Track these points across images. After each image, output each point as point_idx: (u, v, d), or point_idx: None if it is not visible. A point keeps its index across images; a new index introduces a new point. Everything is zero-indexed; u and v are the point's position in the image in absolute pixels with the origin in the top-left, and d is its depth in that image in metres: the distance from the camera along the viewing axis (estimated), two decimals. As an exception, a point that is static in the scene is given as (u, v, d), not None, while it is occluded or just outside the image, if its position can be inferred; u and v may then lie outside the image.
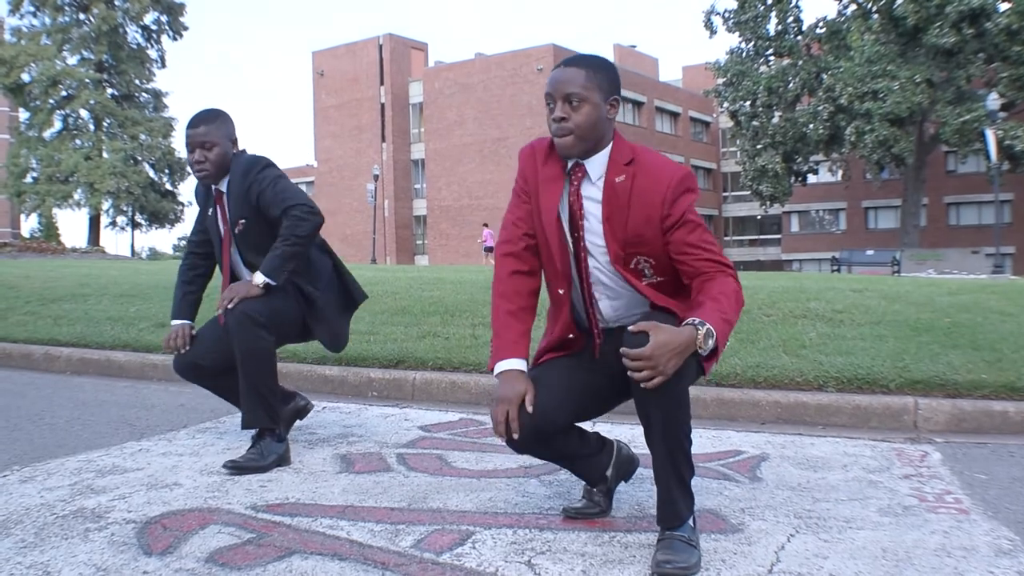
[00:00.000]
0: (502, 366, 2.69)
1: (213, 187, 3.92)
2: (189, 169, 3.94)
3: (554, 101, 2.64)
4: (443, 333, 6.37)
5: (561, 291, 2.78)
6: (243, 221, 3.82)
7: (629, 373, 2.39)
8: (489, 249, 40.86)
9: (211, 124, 3.81)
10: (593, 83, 2.62)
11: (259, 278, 3.68)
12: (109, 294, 9.16)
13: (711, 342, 2.39)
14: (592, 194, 2.69)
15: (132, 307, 8.21)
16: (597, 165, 2.68)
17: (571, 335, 2.81)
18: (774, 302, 6.90)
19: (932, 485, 3.38)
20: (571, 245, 2.73)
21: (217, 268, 4.09)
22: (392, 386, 5.43)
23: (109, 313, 7.99)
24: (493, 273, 2.84)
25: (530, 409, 2.60)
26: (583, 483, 3.03)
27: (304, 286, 3.87)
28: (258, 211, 3.78)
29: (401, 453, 3.90)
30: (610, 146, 2.69)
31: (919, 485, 3.37)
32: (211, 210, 3.96)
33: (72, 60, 49.94)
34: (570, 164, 2.71)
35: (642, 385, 2.38)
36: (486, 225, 43.67)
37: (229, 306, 3.64)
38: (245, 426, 3.72)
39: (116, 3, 49.44)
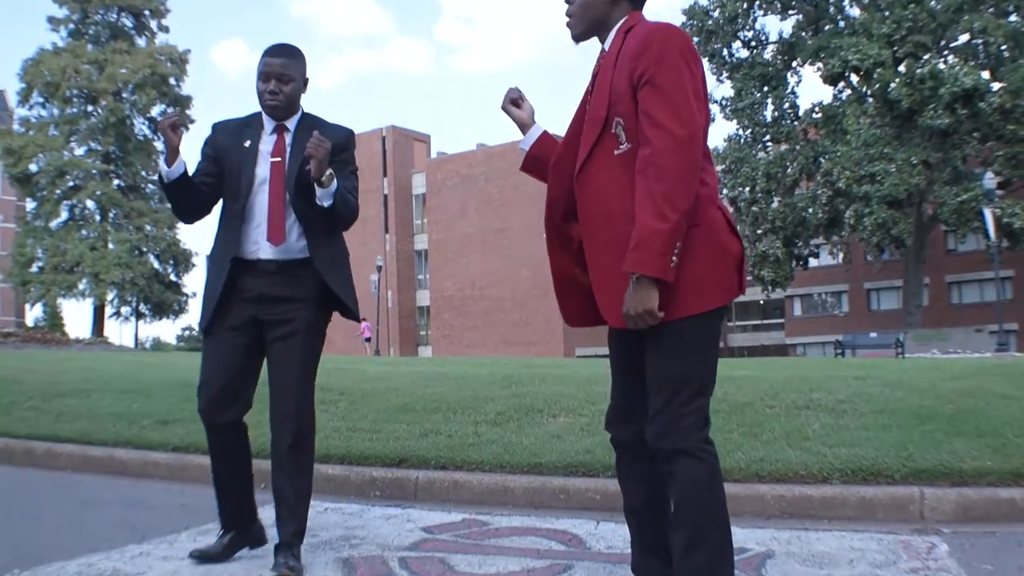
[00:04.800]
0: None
1: (274, 121, 3.76)
2: (257, 98, 3.72)
3: None
4: (446, 431, 6.33)
5: None
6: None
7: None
8: (368, 340, 41.57)
9: (291, 59, 3.70)
10: None
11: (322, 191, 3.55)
12: (112, 390, 9.15)
13: (643, 280, 2.58)
14: None
15: (135, 404, 8.19)
16: (609, 42, 2.87)
17: None
18: (776, 393, 6.89)
19: (939, 580, 3.35)
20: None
21: (219, 208, 3.83)
22: (395, 485, 5.39)
23: (112, 409, 7.97)
24: None
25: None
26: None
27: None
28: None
29: (403, 556, 3.87)
30: (622, 21, 2.86)
31: (926, 581, 3.34)
32: (248, 143, 3.73)
33: (79, 151, 50.59)
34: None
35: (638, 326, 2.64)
36: (364, 319, 44.75)
37: (315, 150, 3.46)
38: (295, 536, 3.64)
39: (124, 96, 50.23)
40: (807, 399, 6.65)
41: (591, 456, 5.17)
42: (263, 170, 3.69)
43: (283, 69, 3.66)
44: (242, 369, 3.70)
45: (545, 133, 3.16)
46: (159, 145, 53.29)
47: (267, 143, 3.73)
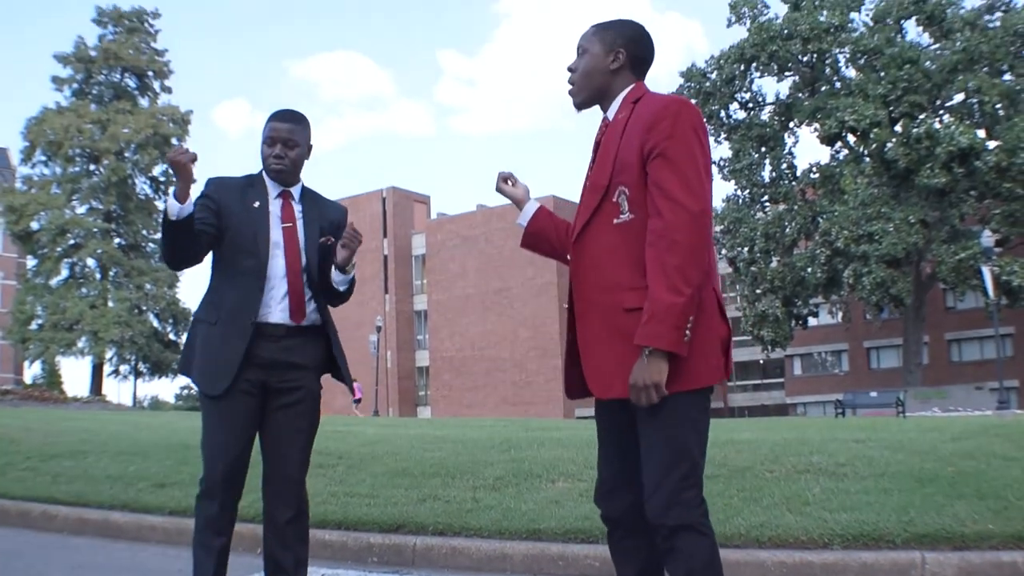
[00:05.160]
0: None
1: (278, 186, 3.75)
2: (261, 161, 3.72)
3: None
4: (444, 496, 6.28)
5: None
6: (332, 240, 3.71)
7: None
8: (358, 401, 41.38)
9: (298, 125, 3.72)
10: (597, 36, 2.91)
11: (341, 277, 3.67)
12: (109, 451, 9.10)
13: (656, 354, 2.58)
14: None
15: (131, 466, 8.14)
16: (613, 111, 2.88)
17: None
18: (776, 456, 6.86)
19: (942, 653, 3.31)
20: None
21: (212, 263, 3.77)
22: (392, 551, 5.34)
23: (108, 471, 7.92)
24: None
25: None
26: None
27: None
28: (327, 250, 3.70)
29: (400, 624, 3.83)
30: (626, 91, 2.88)
31: (928, 653, 3.30)
32: (257, 203, 3.68)
33: (81, 209, 50.62)
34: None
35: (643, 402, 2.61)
36: (355, 380, 44.04)
37: (351, 242, 3.58)
38: None
39: (126, 155, 50.48)
40: (807, 463, 6.62)
41: (590, 522, 5.13)
42: (276, 234, 3.68)
43: (289, 134, 3.69)
44: (251, 437, 3.65)
45: (542, 208, 3.16)
46: (160, 204, 53.51)
47: (275, 206, 3.73)
